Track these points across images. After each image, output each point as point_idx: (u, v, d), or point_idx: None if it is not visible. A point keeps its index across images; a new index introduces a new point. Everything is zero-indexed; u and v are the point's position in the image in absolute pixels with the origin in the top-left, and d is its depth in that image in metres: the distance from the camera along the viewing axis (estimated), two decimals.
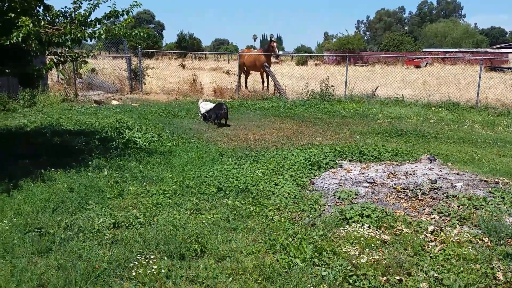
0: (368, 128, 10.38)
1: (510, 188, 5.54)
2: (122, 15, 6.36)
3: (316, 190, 5.72)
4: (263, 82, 18.34)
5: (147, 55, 54.13)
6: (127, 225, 4.36)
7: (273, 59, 18.55)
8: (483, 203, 4.96)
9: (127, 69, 17.79)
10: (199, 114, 11.53)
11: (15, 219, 4.38)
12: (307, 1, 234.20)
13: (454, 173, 6.23)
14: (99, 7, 6.47)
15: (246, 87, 18.81)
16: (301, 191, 5.60)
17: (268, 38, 18.65)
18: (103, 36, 6.07)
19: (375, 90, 16.10)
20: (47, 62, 7.13)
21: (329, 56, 54.90)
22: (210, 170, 6.22)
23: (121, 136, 7.97)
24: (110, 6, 6.32)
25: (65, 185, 5.40)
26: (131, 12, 6.38)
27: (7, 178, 5.56)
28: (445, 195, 5.34)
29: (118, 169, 6.14)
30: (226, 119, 10.76)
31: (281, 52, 17.95)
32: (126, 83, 17.57)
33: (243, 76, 19.27)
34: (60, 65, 16.70)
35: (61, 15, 6.57)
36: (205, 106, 11.50)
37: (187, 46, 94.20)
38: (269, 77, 17.34)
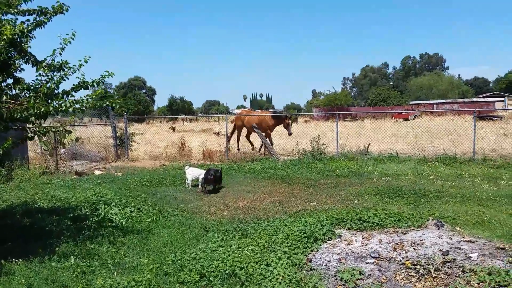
0: (365, 188, 9.77)
1: None
2: (93, 86, 5.89)
3: (314, 269, 4.99)
4: (271, 143, 17.87)
5: (138, 120, 54.37)
6: None
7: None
8: (506, 279, 4.26)
9: (112, 136, 17.32)
10: (185, 181, 10.89)
11: None
12: (294, 60, 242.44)
13: (466, 241, 5.56)
14: (67, 78, 6.01)
15: (238, 149, 18.26)
16: (297, 272, 4.86)
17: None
18: (70, 109, 5.56)
19: (368, 146, 15.68)
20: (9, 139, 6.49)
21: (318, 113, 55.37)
22: (192, 251, 5.49)
23: (96, 213, 7.26)
24: (78, 77, 5.86)
25: (23, 280, 4.63)
26: (102, 82, 5.92)
27: None
28: (461, 269, 4.64)
29: (87, 256, 5.38)
30: (215, 184, 10.16)
31: (292, 129, 17.80)
32: (111, 151, 17.02)
33: (235, 136, 18.87)
34: (43, 136, 16.28)
35: (32, 87, 6.10)
36: (191, 172, 10.90)
37: (178, 109, 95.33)
38: (259, 137, 16.92)
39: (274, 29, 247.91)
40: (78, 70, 5.89)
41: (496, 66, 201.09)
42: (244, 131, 18.88)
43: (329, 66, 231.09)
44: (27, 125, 6.61)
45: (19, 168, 12.29)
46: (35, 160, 15.27)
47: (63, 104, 5.50)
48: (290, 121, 17.75)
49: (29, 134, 6.42)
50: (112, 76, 6.03)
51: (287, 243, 5.75)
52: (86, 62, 5.97)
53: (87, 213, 7.34)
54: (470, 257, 4.95)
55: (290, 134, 17.41)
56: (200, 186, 10.60)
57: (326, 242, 5.98)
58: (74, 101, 5.59)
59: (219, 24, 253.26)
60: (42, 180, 11.80)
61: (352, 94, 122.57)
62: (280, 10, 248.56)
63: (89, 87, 5.89)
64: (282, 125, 17.68)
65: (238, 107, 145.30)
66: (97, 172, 13.25)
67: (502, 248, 5.23)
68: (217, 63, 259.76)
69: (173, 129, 37.09)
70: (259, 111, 21.89)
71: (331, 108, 60.92)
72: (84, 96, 5.65)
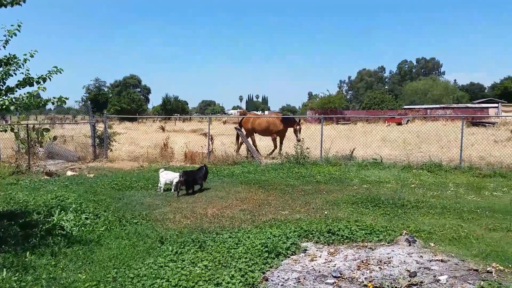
0: (343, 196, 9.34)
1: (506, 280, 4.46)
2: (38, 82, 5.42)
3: None
4: (275, 147, 17.28)
5: (129, 119, 53.62)
6: None
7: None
8: None
9: (91, 135, 16.81)
10: (158, 184, 10.43)
11: None
12: (291, 62, 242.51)
13: (437, 260, 5.14)
14: (15, 74, 5.54)
15: (258, 152, 17.37)
16: None
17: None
18: (12, 107, 5.10)
19: (353, 151, 15.27)
20: None
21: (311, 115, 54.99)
22: (138, 267, 5.02)
23: (49, 219, 6.77)
24: (23, 73, 5.40)
25: None
26: (49, 78, 5.45)
27: None
28: None
29: (22, 269, 4.90)
30: (188, 187, 9.82)
31: (300, 136, 16.38)
32: (89, 151, 16.50)
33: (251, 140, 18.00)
34: (21, 134, 15.74)
35: None
36: (165, 175, 10.44)
37: (172, 108, 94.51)
38: (241, 139, 16.42)
39: (271, 30, 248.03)
40: (23, 65, 5.44)
41: (493, 73, 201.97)
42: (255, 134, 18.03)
43: (326, 68, 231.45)
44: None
45: None
46: (11, 159, 14.74)
47: (1, 102, 5.03)
48: (299, 127, 16.65)
49: None
50: (60, 72, 5.58)
51: (246, 258, 5.31)
52: (32, 56, 5.53)
53: (39, 219, 6.85)
54: (439, 280, 4.53)
55: (298, 140, 15.91)
56: (173, 190, 10.20)
57: (288, 257, 5.54)
58: (14, 99, 5.14)
59: (217, 24, 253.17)
60: (10, 180, 11.29)
61: (348, 97, 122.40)
62: (279, 12, 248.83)
63: (34, 83, 5.42)
64: (292, 129, 16.75)
65: (234, 108, 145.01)
66: (69, 173, 12.74)
67: (475, 270, 4.82)
68: (214, 63, 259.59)
69: (163, 129, 36.51)
70: (262, 112, 20.98)
71: (324, 111, 60.57)
72: (25, 94, 5.19)
